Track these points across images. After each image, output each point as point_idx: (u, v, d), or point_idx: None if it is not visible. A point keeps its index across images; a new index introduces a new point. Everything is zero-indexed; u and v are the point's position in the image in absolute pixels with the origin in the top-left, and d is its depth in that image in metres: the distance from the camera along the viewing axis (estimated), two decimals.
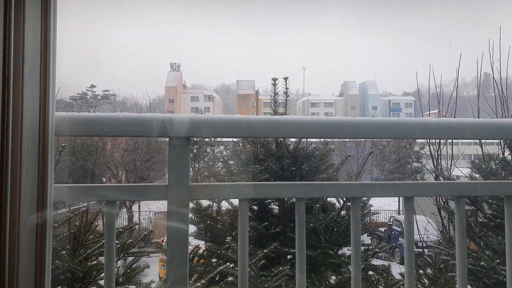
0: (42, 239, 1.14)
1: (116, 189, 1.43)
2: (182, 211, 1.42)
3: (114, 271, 1.46)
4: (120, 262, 3.08)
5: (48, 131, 1.13)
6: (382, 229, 17.99)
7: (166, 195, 1.41)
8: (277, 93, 4.92)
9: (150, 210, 22.59)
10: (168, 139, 1.39)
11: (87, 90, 41.51)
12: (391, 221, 18.87)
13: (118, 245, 2.92)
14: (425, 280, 3.85)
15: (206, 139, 30.87)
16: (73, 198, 1.49)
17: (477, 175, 4.13)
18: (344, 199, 4.24)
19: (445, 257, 3.80)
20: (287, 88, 4.93)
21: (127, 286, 2.95)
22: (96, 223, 2.99)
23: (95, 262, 2.70)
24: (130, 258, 3.11)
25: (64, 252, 2.69)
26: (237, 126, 1.40)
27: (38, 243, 1.13)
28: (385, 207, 23.11)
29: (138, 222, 19.49)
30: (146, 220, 22.33)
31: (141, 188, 1.43)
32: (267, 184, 1.51)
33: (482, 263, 3.46)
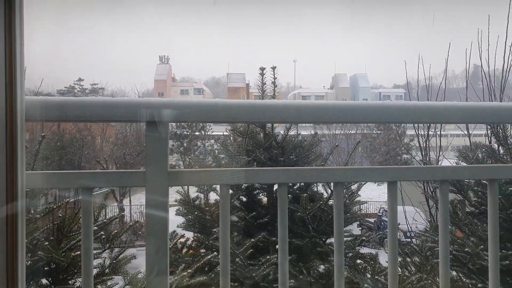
0: (13, 231, 1.09)
1: (92, 176, 1.40)
2: (161, 198, 1.39)
3: (92, 260, 1.42)
4: (106, 254, 3.05)
5: (17, 115, 1.08)
6: (372, 220, 18.14)
7: (144, 182, 1.37)
8: (265, 83, 4.88)
9: (141, 204, 22.52)
10: (145, 124, 1.35)
11: (74, 83, 41.20)
12: (380, 212, 19.03)
13: (103, 236, 2.89)
14: (412, 267, 3.88)
15: (197, 133, 30.87)
16: (48, 185, 1.45)
17: (464, 164, 4.15)
18: (332, 188, 4.24)
19: (431, 245, 3.83)
20: (275, 78, 4.90)
21: (113, 276, 2.93)
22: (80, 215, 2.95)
23: (79, 252, 2.66)
24: (117, 249, 3.08)
25: (47, 243, 2.65)
26: (214, 110, 1.37)
27: (9, 236, 1.08)
28: (375, 198, 23.28)
29: (124, 213, 19.39)
30: (138, 214, 22.25)
31: (118, 175, 1.40)
32: (248, 170, 1.49)
33: (466, 249, 3.49)
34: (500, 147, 4.49)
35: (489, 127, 5.20)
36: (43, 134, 2.71)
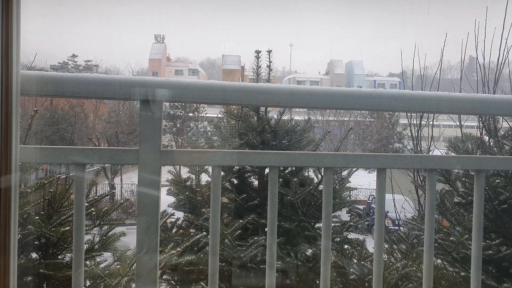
0: (6, 205, 1.10)
1: (85, 152, 1.41)
2: (153, 176, 1.41)
3: (83, 236, 1.44)
4: (96, 231, 3.08)
5: (12, 89, 1.09)
6: (361, 207, 18.33)
7: (137, 160, 1.39)
8: (260, 66, 4.87)
9: (132, 183, 22.55)
10: (139, 103, 1.36)
11: (68, 59, 40.83)
12: (370, 199, 19.23)
13: (94, 213, 2.91)
14: (398, 254, 3.96)
15: (190, 114, 30.76)
16: (41, 160, 1.46)
17: (454, 154, 4.19)
18: (323, 173, 4.29)
19: (418, 233, 3.90)
20: (270, 62, 4.89)
21: (102, 253, 2.96)
22: (72, 191, 2.96)
23: (68, 228, 2.68)
24: (106, 226, 3.10)
25: (37, 218, 2.67)
26: (209, 91, 1.38)
27: (2, 210, 1.09)
28: (365, 185, 23.47)
29: (115, 191, 19.46)
30: (128, 192, 22.30)
31: (111, 152, 1.41)
32: (240, 152, 1.51)
33: (452, 238, 3.56)
34: (490, 139, 4.54)
35: (480, 118, 5.25)
36: (35, 109, 2.71)
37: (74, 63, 41.41)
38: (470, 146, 4.16)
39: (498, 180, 3.58)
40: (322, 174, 4.36)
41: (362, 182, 24.00)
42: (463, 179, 3.86)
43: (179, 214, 4.57)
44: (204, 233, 3.58)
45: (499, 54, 6.57)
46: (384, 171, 1.57)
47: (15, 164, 1.13)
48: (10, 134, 1.10)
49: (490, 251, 3.42)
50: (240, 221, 3.72)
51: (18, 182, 1.15)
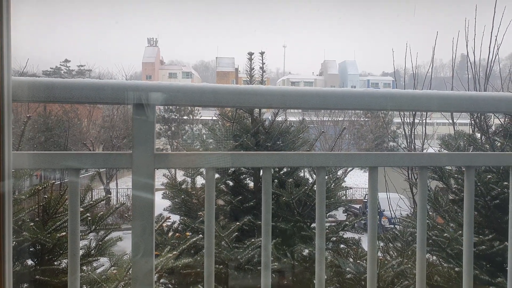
0: (0, 212, 1.10)
1: (79, 157, 1.41)
2: (147, 180, 1.41)
3: (78, 242, 1.45)
4: (92, 236, 3.07)
5: (4, 95, 1.09)
6: (358, 206, 18.38)
7: (130, 163, 1.39)
8: (253, 68, 4.89)
9: (128, 187, 22.49)
10: (132, 107, 1.37)
11: (61, 64, 40.65)
12: (366, 198, 19.29)
13: (89, 218, 2.91)
14: (394, 252, 3.98)
15: (185, 117, 30.77)
16: (34, 165, 1.46)
17: (446, 151, 4.24)
18: (316, 173, 4.30)
19: (412, 230, 3.93)
20: (263, 63, 4.90)
21: (99, 258, 2.96)
22: (67, 196, 2.96)
23: (64, 233, 2.68)
24: (102, 231, 3.10)
25: (32, 224, 2.66)
26: (201, 94, 1.39)
27: None
28: (361, 184, 23.53)
29: (110, 196, 19.40)
30: (124, 197, 22.24)
31: (105, 156, 1.41)
32: (233, 154, 1.52)
33: (445, 234, 3.59)
34: (482, 136, 4.58)
35: (471, 116, 5.30)
36: (28, 115, 2.71)
37: (67, 68, 41.26)
38: (462, 143, 4.20)
39: (489, 176, 3.61)
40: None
41: (358, 181, 24.07)
42: (456, 175, 3.90)
43: (175, 218, 4.57)
44: (201, 235, 3.58)
45: (489, 52, 6.63)
46: (376, 170, 1.59)
47: (8, 171, 1.13)
48: (3, 140, 1.11)
49: (484, 246, 3.45)
50: (237, 223, 3.73)
51: (11, 189, 1.16)
